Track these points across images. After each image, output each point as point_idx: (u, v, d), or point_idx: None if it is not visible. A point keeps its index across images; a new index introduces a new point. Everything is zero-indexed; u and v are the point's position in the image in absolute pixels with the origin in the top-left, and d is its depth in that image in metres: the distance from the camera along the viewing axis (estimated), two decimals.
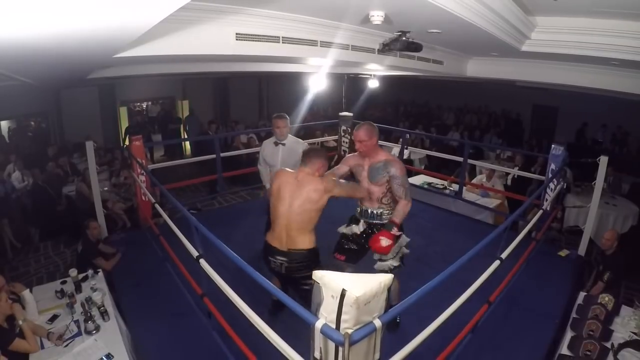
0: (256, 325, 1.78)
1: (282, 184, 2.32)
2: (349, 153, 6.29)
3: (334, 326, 1.36)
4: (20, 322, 2.23)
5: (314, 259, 2.31)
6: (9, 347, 2.10)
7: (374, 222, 2.59)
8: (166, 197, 3.17)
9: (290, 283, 2.45)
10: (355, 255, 2.66)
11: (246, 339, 2.21)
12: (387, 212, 2.56)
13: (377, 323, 1.39)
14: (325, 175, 2.35)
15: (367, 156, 2.53)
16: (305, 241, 2.27)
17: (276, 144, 3.43)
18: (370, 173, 2.51)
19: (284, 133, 3.39)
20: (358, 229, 2.64)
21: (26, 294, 2.51)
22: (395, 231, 2.34)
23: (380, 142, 6.63)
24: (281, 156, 3.40)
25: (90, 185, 4.24)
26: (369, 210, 2.59)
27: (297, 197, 2.24)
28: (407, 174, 2.53)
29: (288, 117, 3.46)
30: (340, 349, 1.31)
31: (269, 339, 1.71)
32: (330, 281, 1.39)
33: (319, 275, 1.43)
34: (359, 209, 2.67)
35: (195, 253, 2.41)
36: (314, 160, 2.33)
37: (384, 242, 2.28)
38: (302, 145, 3.50)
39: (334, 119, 6.67)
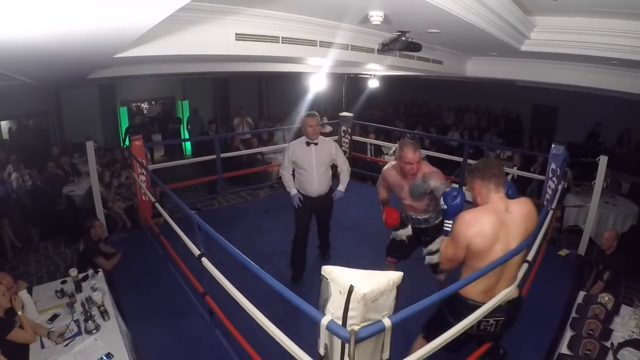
0: (261, 324, 1.77)
1: (494, 223, 1.73)
2: (349, 153, 6.34)
3: (340, 323, 1.34)
4: (19, 314, 2.26)
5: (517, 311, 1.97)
6: (8, 336, 2.14)
7: (421, 226, 2.69)
8: (168, 195, 3.17)
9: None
10: (404, 256, 2.84)
11: (249, 338, 2.20)
12: (433, 215, 2.66)
13: (387, 322, 1.35)
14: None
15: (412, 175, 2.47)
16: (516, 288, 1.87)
17: (308, 144, 3.14)
18: (411, 191, 2.52)
19: (317, 132, 3.13)
20: (406, 232, 2.74)
21: (22, 294, 2.48)
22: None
23: (380, 142, 6.70)
24: (315, 157, 3.12)
25: (105, 183, 4.25)
26: (415, 217, 2.69)
27: (517, 235, 1.78)
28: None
29: (319, 115, 3.26)
30: (346, 345, 1.29)
31: (274, 337, 1.68)
32: (338, 277, 1.36)
33: (327, 270, 1.40)
34: (404, 214, 2.75)
35: (197, 252, 2.42)
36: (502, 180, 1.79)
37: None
38: (332, 143, 3.29)
39: (334, 119, 6.67)
